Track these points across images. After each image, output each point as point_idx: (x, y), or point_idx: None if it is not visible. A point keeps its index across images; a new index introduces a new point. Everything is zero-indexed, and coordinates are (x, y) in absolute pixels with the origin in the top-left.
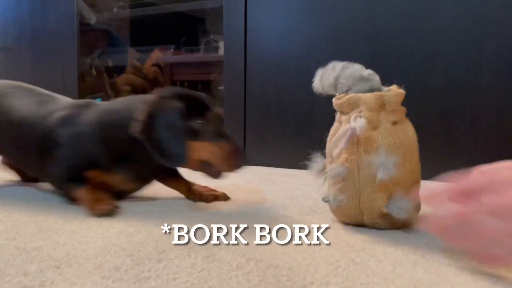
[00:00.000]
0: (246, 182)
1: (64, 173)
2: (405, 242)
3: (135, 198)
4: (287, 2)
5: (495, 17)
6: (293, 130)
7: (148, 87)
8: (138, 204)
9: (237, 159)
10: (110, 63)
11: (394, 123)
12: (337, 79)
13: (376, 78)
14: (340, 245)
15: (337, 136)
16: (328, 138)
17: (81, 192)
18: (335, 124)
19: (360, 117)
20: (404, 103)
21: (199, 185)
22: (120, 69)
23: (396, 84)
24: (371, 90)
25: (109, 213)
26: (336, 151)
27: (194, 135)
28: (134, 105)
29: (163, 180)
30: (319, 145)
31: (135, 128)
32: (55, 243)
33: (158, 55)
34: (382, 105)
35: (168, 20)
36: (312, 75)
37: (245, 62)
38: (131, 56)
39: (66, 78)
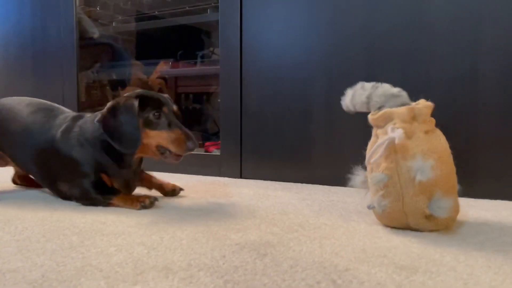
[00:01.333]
0: (240, 198)
1: (91, 189)
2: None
3: (125, 212)
4: (282, 16)
5: (491, 33)
6: (290, 143)
7: None
8: (126, 217)
9: (187, 143)
10: (114, 76)
11: (426, 132)
12: (369, 97)
13: (404, 94)
14: (324, 265)
15: (375, 147)
16: (367, 151)
17: (118, 199)
18: (372, 139)
19: (396, 128)
20: None
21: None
22: (124, 82)
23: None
24: (402, 105)
25: (151, 205)
26: (375, 160)
27: (151, 125)
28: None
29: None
30: (316, 158)
31: (98, 119)
32: (33, 264)
33: (163, 68)
34: (414, 117)
35: (172, 33)
36: (308, 88)
37: (241, 75)
38: (136, 69)
39: (65, 91)
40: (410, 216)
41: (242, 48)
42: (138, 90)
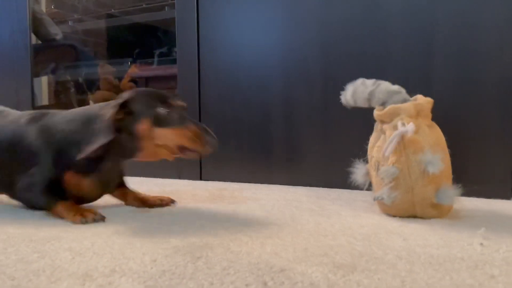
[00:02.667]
0: (193, 200)
1: (43, 183)
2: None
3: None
4: (239, 14)
5: (444, 28)
6: (249, 143)
7: None
8: (63, 220)
9: (206, 137)
10: (79, 79)
11: (428, 126)
12: (372, 94)
13: (404, 91)
14: (259, 266)
15: (389, 141)
16: (370, 146)
17: (62, 206)
18: (375, 133)
19: (403, 123)
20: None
21: (143, 194)
22: (91, 85)
23: None
24: (404, 101)
25: (93, 222)
26: (387, 153)
27: (161, 122)
28: (93, 109)
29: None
30: (275, 157)
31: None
32: None
33: (135, 70)
34: (418, 112)
35: (129, 31)
36: (265, 87)
37: (199, 75)
38: (105, 71)
39: (20, 95)
40: (418, 206)
41: (200, 47)
42: (135, 89)
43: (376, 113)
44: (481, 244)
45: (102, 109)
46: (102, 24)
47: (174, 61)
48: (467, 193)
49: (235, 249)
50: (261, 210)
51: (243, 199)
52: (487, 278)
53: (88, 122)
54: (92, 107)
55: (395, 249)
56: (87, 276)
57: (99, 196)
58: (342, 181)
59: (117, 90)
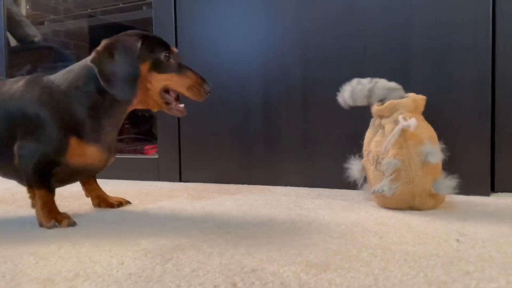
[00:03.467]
0: (170, 202)
1: (40, 158)
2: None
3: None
4: (217, 13)
5: (421, 26)
6: (229, 143)
7: None
8: (31, 224)
9: (203, 87)
10: None
11: (422, 121)
12: (371, 91)
13: (401, 87)
14: (230, 267)
15: (392, 135)
16: (366, 141)
17: (42, 196)
18: (371, 129)
19: (406, 117)
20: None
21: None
22: None
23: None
24: (401, 97)
25: (65, 227)
26: (390, 145)
27: (160, 67)
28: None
29: (85, 181)
30: (255, 157)
31: (92, 58)
32: None
33: None
34: (416, 107)
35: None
36: (245, 86)
37: None
38: None
39: None
40: (417, 197)
41: (178, 46)
42: (135, 31)
43: (375, 108)
44: (457, 240)
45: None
46: (79, 24)
47: None
48: None
49: (207, 250)
50: (238, 211)
51: (221, 200)
52: (461, 274)
53: (90, 71)
54: (83, 60)
55: (370, 247)
56: (48, 280)
57: (103, 166)
58: (323, 180)
59: None
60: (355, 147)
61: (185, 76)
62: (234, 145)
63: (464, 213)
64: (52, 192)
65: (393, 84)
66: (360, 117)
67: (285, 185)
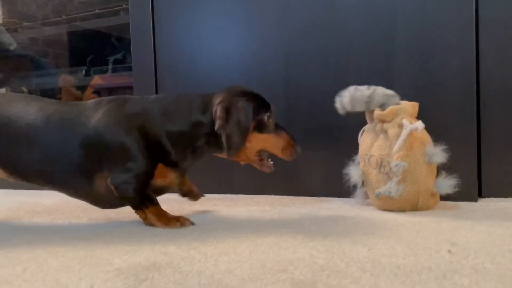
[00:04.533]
0: None
1: (140, 181)
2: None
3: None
4: (196, 18)
5: (404, 26)
6: None
7: None
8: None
9: (294, 148)
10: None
11: None
12: (371, 97)
13: (396, 94)
14: (209, 287)
15: (400, 139)
16: (365, 146)
17: (153, 210)
18: (371, 134)
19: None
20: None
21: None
22: (48, 96)
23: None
24: (397, 103)
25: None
26: (397, 148)
27: (262, 128)
28: (195, 101)
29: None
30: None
31: (218, 125)
32: None
33: (98, 82)
34: (414, 112)
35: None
36: None
37: (156, 81)
38: (66, 82)
39: None
40: (421, 197)
41: (156, 53)
42: (237, 87)
43: (378, 113)
44: (449, 251)
45: (213, 99)
46: (54, 31)
47: (129, 68)
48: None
49: (185, 269)
50: (220, 223)
51: (202, 212)
52: None
53: (185, 111)
54: (185, 95)
55: (359, 261)
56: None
57: (175, 187)
58: (308, 188)
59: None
60: (341, 153)
61: (281, 137)
62: None
63: (453, 220)
64: (158, 204)
65: (391, 92)
66: (345, 123)
67: (269, 194)
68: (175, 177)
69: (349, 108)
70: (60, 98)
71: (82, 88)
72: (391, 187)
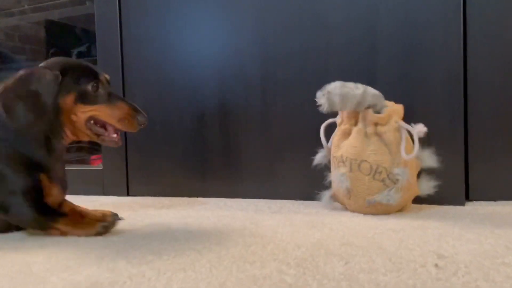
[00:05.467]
0: None
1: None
2: None
3: None
4: (167, 9)
5: (387, 21)
6: (182, 152)
7: None
8: None
9: (137, 117)
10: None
11: None
12: (363, 97)
13: (382, 95)
14: None
15: (405, 143)
16: (354, 151)
17: (65, 221)
18: (357, 137)
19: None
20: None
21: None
22: None
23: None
24: (384, 105)
25: (113, 225)
26: (411, 156)
27: (87, 98)
28: None
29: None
30: (210, 167)
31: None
32: None
33: None
34: (402, 114)
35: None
36: (199, 88)
37: (123, 76)
38: None
39: None
40: (409, 200)
41: (123, 45)
42: (59, 58)
43: (376, 116)
44: (436, 265)
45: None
46: (13, 22)
47: (94, 61)
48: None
49: None
50: (183, 232)
51: (167, 218)
52: None
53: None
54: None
55: (334, 278)
56: None
57: (58, 203)
58: (285, 191)
59: None
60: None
61: (116, 107)
62: (187, 154)
63: (440, 227)
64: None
65: (378, 92)
66: (324, 120)
67: (244, 197)
68: (58, 190)
69: (338, 107)
70: None
71: None
72: (389, 195)
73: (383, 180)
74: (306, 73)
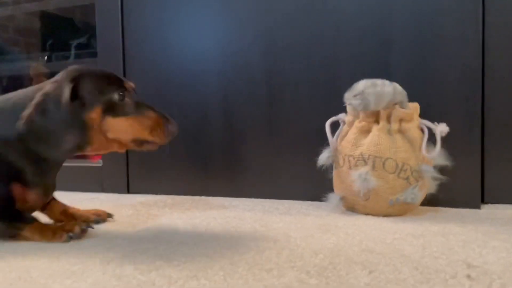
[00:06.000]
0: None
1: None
2: None
3: None
4: (169, 1)
5: (402, 18)
6: (184, 150)
7: None
8: None
9: (167, 127)
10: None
11: None
12: (394, 95)
13: None
14: None
15: (424, 142)
16: (380, 148)
17: (31, 228)
18: (382, 134)
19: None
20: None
21: (76, 208)
22: (19, 85)
23: None
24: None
25: (82, 234)
26: (434, 154)
27: (115, 110)
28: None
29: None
30: (213, 165)
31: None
32: None
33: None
34: None
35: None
36: (203, 83)
37: (124, 70)
38: (37, 70)
39: None
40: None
41: (124, 37)
42: (77, 68)
43: (403, 112)
44: (468, 276)
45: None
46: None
47: (94, 54)
48: (433, 202)
49: None
50: (191, 234)
51: (172, 218)
52: None
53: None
54: (21, 93)
55: None
56: None
57: (39, 207)
58: (292, 191)
59: None
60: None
61: (146, 117)
62: (189, 151)
63: (462, 233)
64: (36, 220)
65: (402, 89)
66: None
67: (248, 197)
68: (37, 197)
69: (373, 106)
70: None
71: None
72: (413, 193)
73: (407, 178)
74: (314, 67)
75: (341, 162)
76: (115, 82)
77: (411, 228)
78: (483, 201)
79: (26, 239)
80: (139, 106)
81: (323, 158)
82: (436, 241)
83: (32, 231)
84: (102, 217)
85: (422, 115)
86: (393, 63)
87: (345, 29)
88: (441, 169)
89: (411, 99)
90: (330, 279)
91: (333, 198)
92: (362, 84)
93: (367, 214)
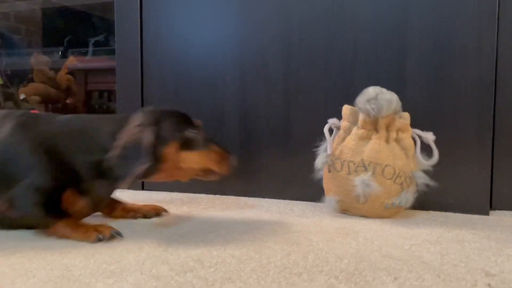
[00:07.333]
0: (128, 219)
1: (39, 195)
2: None
3: None
4: (192, 3)
5: (417, 26)
6: None
7: (61, 97)
8: None
9: (229, 160)
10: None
11: None
12: (398, 103)
13: None
14: None
15: (418, 150)
16: (378, 156)
17: (65, 224)
18: (383, 143)
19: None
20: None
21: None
22: (23, 77)
23: None
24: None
25: (111, 239)
26: (432, 162)
27: (189, 145)
28: (108, 125)
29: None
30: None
31: (111, 157)
32: None
33: (73, 62)
34: None
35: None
36: (220, 85)
37: (142, 69)
38: (38, 62)
39: None
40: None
41: (143, 36)
42: (153, 109)
43: (402, 122)
44: (489, 285)
45: (121, 126)
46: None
47: (112, 52)
48: (442, 207)
49: None
50: (215, 235)
51: (190, 216)
52: None
53: (97, 137)
54: (99, 119)
55: None
56: None
57: (85, 216)
58: (306, 192)
59: (53, 83)
60: None
61: (213, 151)
62: None
63: (476, 240)
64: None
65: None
66: None
67: (261, 196)
68: (86, 206)
69: (385, 112)
70: (31, 79)
71: (57, 70)
72: (406, 197)
73: (401, 184)
74: (331, 72)
75: (338, 166)
76: (188, 121)
77: (426, 234)
78: (491, 207)
79: (57, 233)
80: (207, 141)
81: (320, 161)
82: (452, 248)
83: (65, 225)
84: (159, 211)
85: (436, 122)
86: (408, 70)
87: (361, 36)
88: (449, 174)
89: (424, 106)
90: (358, 285)
91: (330, 200)
92: (372, 90)
93: (363, 215)
